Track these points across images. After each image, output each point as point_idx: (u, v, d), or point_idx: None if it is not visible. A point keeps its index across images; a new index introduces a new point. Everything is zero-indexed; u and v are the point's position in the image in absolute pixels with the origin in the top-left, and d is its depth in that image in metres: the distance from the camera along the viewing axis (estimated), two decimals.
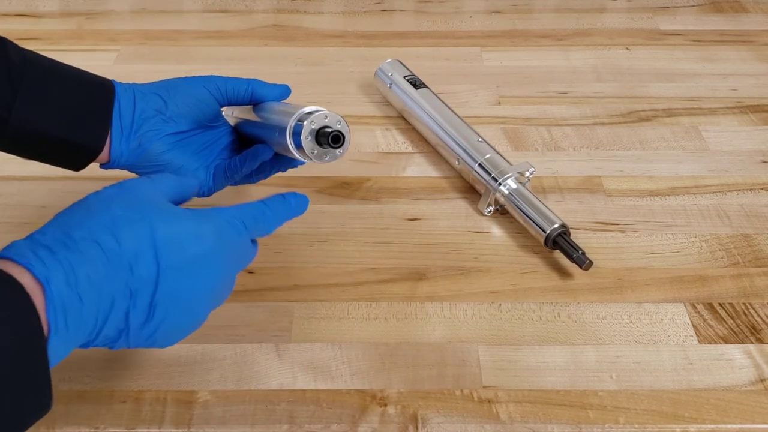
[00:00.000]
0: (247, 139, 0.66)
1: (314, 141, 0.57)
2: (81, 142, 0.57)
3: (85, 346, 0.43)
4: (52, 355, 0.40)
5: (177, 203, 0.49)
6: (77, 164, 0.59)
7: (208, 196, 0.63)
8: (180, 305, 0.44)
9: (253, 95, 0.63)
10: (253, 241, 0.51)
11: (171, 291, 0.43)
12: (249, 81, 0.63)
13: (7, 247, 0.41)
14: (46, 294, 0.39)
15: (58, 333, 0.40)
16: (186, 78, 0.62)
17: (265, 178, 0.65)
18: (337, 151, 0.57)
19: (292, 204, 0.53)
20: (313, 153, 0.57)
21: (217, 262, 0.46)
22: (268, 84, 0.64)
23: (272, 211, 0.50)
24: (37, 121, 0.55)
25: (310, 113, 0.58)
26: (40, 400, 0.39)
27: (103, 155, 0.58)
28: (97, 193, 0.45)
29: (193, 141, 0.62)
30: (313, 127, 0.57)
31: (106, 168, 0.60)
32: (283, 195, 0.52)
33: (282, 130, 0.59)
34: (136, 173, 0.61)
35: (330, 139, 0.56)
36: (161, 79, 0.62)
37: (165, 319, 0.44)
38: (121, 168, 0.60)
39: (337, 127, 0.57)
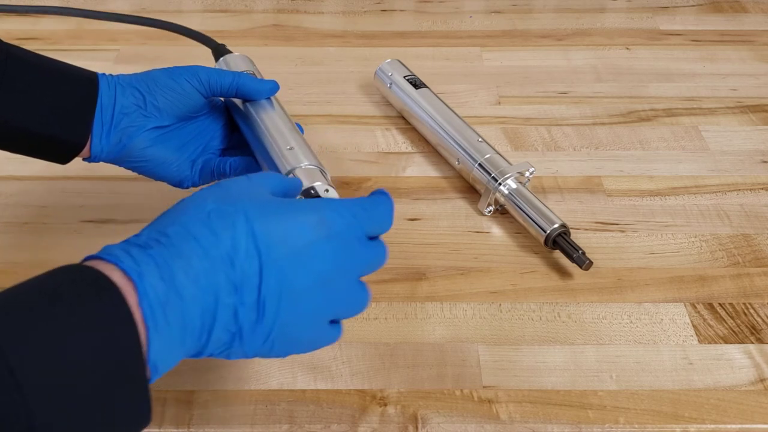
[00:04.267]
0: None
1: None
2: (63, 137, 0.56)
3: (198, 354, 0.40)
4: (158, 360, 0.37)
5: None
6: (62, 158, 0.58)
7: (193, 187, 0.63)
8: (291, 302, 0.40)
9: (240, 89, 0.62)
10: (376, 240, 0.45)
11: (278, 284, 0.40)
12: (235, 74, 0.62)
13: (101, 250, 0.39)
14: (138, 290, 0.36)
15: (158, 332, 0.36)
16: (168, 69, 0.61)
17: None
18: None
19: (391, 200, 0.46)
20: None
21: (325, 255, 0.41)
22: (255, 79, 0.63)
23: (384, 205, 0.45)
24: (20, 117, 0.55)
25: (302, 169, 0.56)
26: (136, 409, 0.36)
27: (86, 150, 0.58)
28: (192, 194, 0.42)
29: (177, 134, 0.61)
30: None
31: (89, 162, 0.60)
32: (382, 191, 0.46)
33: (272, 167, 0.59)
34: (122, 167, 0.61)
35: None
36: (145, 71, 0.61)
37: (277, 316, 0.40)
38: (105, 162, 0.60)
39: (324, 195, 0.55)
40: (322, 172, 0.58)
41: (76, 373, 0.33)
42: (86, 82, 0.58)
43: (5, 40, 0.56)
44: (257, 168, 0.62)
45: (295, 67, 0.93)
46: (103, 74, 0.60)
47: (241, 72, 0.65)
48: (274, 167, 0.59)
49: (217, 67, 0.72)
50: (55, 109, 0.56)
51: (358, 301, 0.44)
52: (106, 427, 0.35)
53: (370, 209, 0.44)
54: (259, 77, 0.68)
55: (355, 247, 0.43)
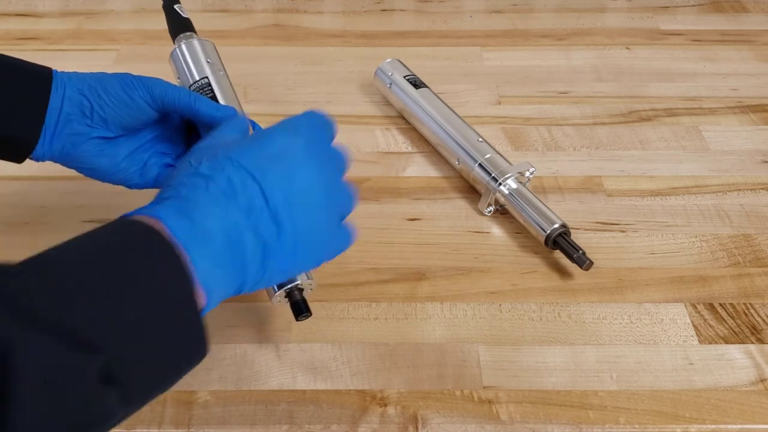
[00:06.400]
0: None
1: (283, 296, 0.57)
2: (12, 136, 0.55)
3: (243, 284, 0.45)
4: (208, 280, 0.42)
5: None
6: (16, 158, 0.57)
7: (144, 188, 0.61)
8: (299, 204, 0.45)
9: (194, 111, 0.59)
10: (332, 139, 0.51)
11: (282, 194, 0.45)
12: (192, 97, 0.59)
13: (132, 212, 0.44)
14: (170, 229, 0.41)
15: (199, 253, 0.41)
16: (123, 79, 0.58)
17: None
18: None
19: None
20: (276, 299, 0.57)
21: (310, 157, 0.47)
22: (212, 103, 0.60)
23: (315, 112, 0.51)
24: None
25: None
26: (194, 336, 0.42)
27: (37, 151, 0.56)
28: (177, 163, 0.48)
29: (126, 144, 0.59)
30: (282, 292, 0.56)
31: (36, 161, 0.58)
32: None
33: None
34: (71, 168, 0.59)
35: (293, 306, 0.56)
36: (99, 74, 0.59)
37: (293, 222, 0.45)
38: (53, 161, 0.58)
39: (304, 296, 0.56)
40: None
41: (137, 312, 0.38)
42: (41, 80, 0.56)
43: (5, 40, 0.56)
44: None
45: (295, 67, 0.93)
46: (58, 72, 0.57)
47: (199, 96, 0.60)
48: None
49: (175, 49, 0.68)
50: (7, 107, 0.54)
51: (348, 195, 0.49)
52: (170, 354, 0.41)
53: (310, 116, 0.50)
54: (219, 68, 0.66)
55: (327, 146, 0.49)
